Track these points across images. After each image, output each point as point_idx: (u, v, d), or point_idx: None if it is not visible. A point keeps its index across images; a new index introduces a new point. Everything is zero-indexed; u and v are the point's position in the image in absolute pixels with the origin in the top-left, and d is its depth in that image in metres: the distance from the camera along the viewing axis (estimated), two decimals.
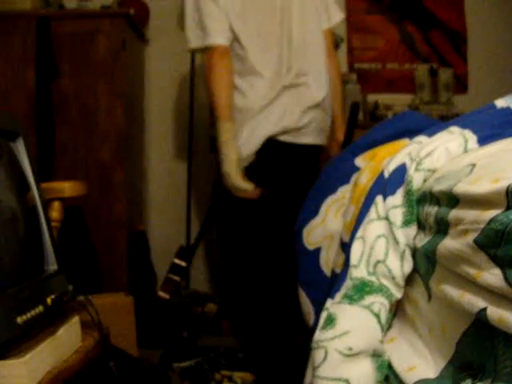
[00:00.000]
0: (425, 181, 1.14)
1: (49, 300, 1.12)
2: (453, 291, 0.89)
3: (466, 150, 1.16)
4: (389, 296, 1.12)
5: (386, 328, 1.13)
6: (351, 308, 1.12)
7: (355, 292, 1.13)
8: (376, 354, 1.09)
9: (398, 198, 1.16)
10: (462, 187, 0.90)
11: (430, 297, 1.03)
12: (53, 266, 1.24)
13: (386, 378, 1.09)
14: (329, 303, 1.18)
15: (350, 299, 1.13)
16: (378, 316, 1.10)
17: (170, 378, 2.13)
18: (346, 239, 1.32)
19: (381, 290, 1.12)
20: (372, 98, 3.31)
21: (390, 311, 1.13)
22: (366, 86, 3.34)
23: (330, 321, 1.12)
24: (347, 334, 1.09)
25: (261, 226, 2.16)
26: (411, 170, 1.16)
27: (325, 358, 1.08)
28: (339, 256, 1.36)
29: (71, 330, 1.19)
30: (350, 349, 1.07)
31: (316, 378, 1.09)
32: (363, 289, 1.13)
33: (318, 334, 1.12)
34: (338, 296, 1.16)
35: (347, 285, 1.16)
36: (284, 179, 2.16)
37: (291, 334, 2.38)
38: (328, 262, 1.53)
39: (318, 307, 1.24)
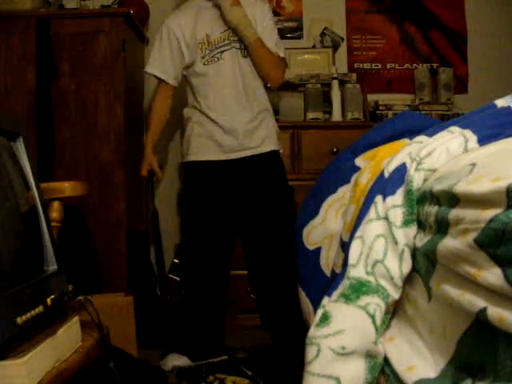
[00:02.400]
0: (425, 180, 1.14)
1: (49, 300, 1.12)
2: (453, 291, 0.89)
3: (466, 150, 1.16)
4: (385, 297, 1.12)
5: (382, 329, 1.13)
6: (347, 307, 1.12)
7: (352, 291, 1.13)
8: (369, 355, 1.09)
9: (398, 198, 1.16)
10: (463, 187, 0.90)
11: (430, 297, 1.03)
12: (53, 266, 1.24)
13: (386, 378, 1.09)
14: (325, 301, 1.18)
15: (347, 298, 1.13)
16: (373, 317, 1.10)
17: (167, 377, 2.13)
18: (346, 239, 1.32)
19: (378, 290, 1.12)
20: (372, 97, 3.31)
21: (386, 312, 1.13)
22: (365, 85, 3.34)
23: (325, 318, 1.13)
24: (341, 333, 1.09)
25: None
26: (411, 170, 1.16)
27: (317, 355, 1.08)
28: (339, 256, 1.36)
29: (71, 330, 1.19)
30: (343, 348, 1.07)
31: (307, 373, 1.09)
32: (360, 289, 1.13)
33: (313, 331, 1.13)
34: (335, 294, 1.16)
35: (344, 284, 1.16)
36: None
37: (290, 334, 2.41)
38: (328, 261, 1.53)
39: (318, 307, 1.24)
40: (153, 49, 2.49)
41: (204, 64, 2.37)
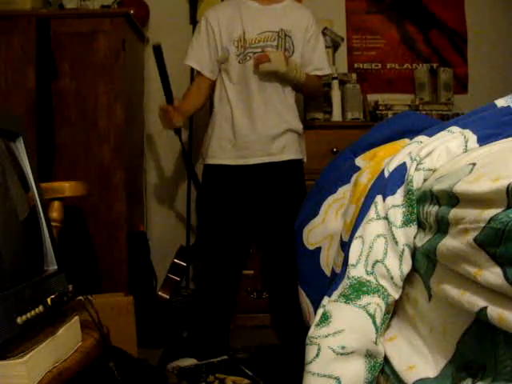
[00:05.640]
0: (425, 180, 1.14)
1: (49, 300, 1.12)
2: (453, 290, 0.89)
3: (466, 150, 1.16)
4: (385, 297, 1.12)
5: (382, 329, 1.13)
6: (347, 307, 1.12)
7: (352, 291, 1.13)
8: (369, 355, 1.09)
9: (398, 198, 1.16)
10: (462, 186, 0.90)
11: (430, 296, 1.03)
12: (53, 266, 1.24)
13: (386, 378, 1.09)
14: (325, 300, 1.18)
15: (347, 298, 1.13)
16: (373, 317, 1.10)
17: (167, 377, 2.13)
18: (346, 239, 1.32)
19: (378, 290, 1.12)
20: (372, 97, 3.31)
21: (386, 312, 1.13)
22: (365, 86, 3.34)
23: (325, 318, 1.13)
24: (341, 333, 1.09)
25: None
26: (411, 170, 1.16)
27: (317, 355, 1.08)
28: (339, 256, 1.36)
29: (71, 329, 1.19)
30: (343, 347, 1.07)
31: (307, 373, 1.09)
32: (360, 288, 1.13)
33: (313, 331, 1.13)
34: (335, 294, 1.16)
35: (344, 284, 1.16)
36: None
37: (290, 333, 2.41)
38: (328, 261, 1.53)
39: (318, 307, 1.24)
40: (191, 41, 2.49)
41: (239, 62, 2.35)
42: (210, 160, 2.39)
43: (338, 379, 1.06)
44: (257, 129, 2.33)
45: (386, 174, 1.24)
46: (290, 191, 2.38)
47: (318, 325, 1.13)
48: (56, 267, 1.24)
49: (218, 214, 2.37)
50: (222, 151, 2.36)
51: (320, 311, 1.17)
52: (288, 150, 2.38)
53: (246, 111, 2.34)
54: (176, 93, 2.49)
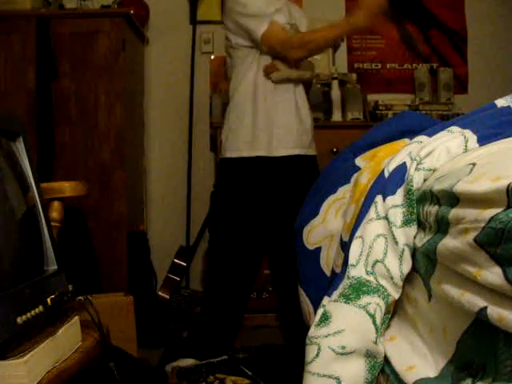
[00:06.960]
0: (425, 180, 1.14)
1: (49, 300, 1.12)
2: (453, 290, 0.89)
3: (466, 150, 1.16)
4: (385, 297, 1.12)
5: (382, 329, 1.13)
6: (347, 307, 1.12)
7: (352, 291, 1.13)
8: (369, 355, 1.09)
9: (398, 198, 1.16)
10: (463, 186, 0.90)
11: (430, 296, 1.03)
12: (53, 266, 1.24)
13: (386, 378, 1.09)
14: (325, 300, 1.18)
15: (347, 298, 1.13)
16: (373, 317, 1.10)
17: (167, 377, 2.13)
18: (346, 239, 1.32)
19: (378, 290, 1.12)
20: (372, 97, 3.31)
21: (386, 312, 1.13)
22: (366, 85, 3.35)
23: (325, 318, 1.13)
24: (341, 333, 1.09)
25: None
26: (411, 170, 1.16)
27: (317, 355, 1.08)
28: (339, 256, 1.36)
29: (71, 330, 1.19)
30: (343, 347, 1.07)
31: (307, 373, 1.09)
32: (360, 288, 1.13)
33: (313, 331, 1.13)
34: (335, 294, 1.16)
35: (344, 284, 1.16)
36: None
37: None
38: (328, 261, 1.53)
39: (318, 307, 1.24)
40: (245, 13, 2.20)
41: None
42: (233, 153, 2.24)
43: (337, 379, 1.06)
44: (298, 120, 2.30)
45: (386, 174, 1.24)
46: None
47: (317, 325, 1.13)
48: (56, 267, 1.24)
49: (241, 210, 2.26)
50: (257, 142, 2.22)
51: (320, 311, 1.17)
52: (313, 144, 2.40)
53: (286, 101, 2.26)
54: (176, 93, 2.49)
